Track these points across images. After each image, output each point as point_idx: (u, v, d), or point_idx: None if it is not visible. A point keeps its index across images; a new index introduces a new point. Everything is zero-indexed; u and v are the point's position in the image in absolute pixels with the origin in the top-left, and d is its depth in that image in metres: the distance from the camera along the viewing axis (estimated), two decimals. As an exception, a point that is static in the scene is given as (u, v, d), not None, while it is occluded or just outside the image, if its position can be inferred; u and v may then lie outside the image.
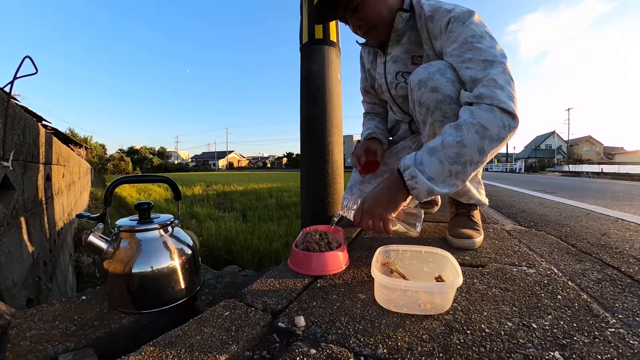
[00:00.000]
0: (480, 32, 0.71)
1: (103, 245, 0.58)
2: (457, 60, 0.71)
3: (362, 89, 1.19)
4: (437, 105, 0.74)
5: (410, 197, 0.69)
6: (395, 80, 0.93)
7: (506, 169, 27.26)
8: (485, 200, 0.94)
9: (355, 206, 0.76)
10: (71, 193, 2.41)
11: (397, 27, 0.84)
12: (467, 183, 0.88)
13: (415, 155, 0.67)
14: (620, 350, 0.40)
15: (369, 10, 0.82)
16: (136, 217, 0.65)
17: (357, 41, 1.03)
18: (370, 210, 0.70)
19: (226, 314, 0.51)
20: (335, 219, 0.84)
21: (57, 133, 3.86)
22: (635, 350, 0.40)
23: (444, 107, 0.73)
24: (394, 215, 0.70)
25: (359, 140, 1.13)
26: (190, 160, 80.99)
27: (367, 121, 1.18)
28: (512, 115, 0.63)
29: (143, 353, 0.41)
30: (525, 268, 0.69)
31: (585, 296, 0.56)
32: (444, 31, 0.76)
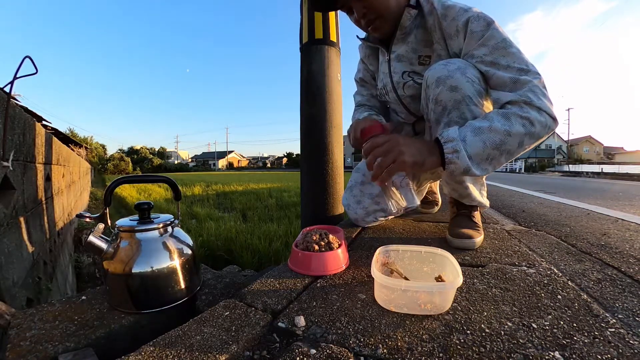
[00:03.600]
0: (508, 38, 0.70)
1: (103, 245, 0.58)
2: (490, 65, 0.70)
3: (360, 79, 1.10)
4: (455, 105, 0.72)
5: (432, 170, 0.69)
6: (402, 80, 0.90)
7: (506, 169, 27.25)
8: (487, 202, 0.94)
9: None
10: (71, 193, 2.41)
11: (404, 24, 0.81)
12: (471, 185, 0.87)
13: (459, 130, 0.66)
14: (620, 350, 0.40)
15: None
16: (136, 217, 0.65)
17: (357, 35, 1.00)
18: (398, 146, 0.65)
19: (226, 314, 0.51)
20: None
21: (57, 133, 3.86)
22: (635, 350, 0.40)
23: (462, 108, 0.72)
24: (406, 172, 0.70)
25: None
26: (190, 160, 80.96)
27: (361, 112, 1.06)
28: (554, 119, 0.67)
29: (143, 353, 0.41)
30: (525, 268, 0.69)
31: (585, 296, 0.56)
32: (461, 30, 0.73)
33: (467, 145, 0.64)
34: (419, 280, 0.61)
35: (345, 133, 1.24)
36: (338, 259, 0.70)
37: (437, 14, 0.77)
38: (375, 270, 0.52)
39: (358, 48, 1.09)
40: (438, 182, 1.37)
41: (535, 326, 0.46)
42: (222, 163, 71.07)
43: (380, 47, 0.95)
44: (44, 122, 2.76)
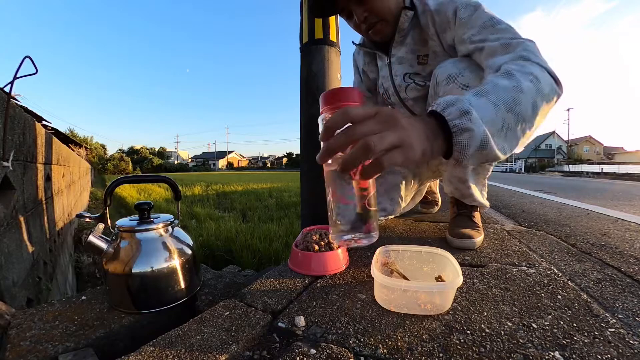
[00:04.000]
0: (496, 17, 0.69)
1: (103, 245, 0.58)
2: (479, 42, 0.68)
3: None
4: None
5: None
6: (404, 83, 0.90)
7: (506, 169, 27.26)
8: (487, 203, 0.94)
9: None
10: (71, 193, 2.41)
11: (402, 26, 0.81)
12: (473, 185, 0.86)
13: (458, 96, 0.45)
14: (620, 350, 0.40)
15: (378, 1, 0.77)
16: (136, 217, 0.65)
17: (353, 42, 1.01)
18: (397, 124, 0.38)
19: (226, 314, 0.51)
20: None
21: (57, 133, 3.86)
22: (635, 350, 0.40)
23: None
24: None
25: None
26: (190, 160, 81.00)
27: None
28: (557, 81, 0.56)
29: (143, 353, 0.41)
30: (525, 268, 0.69)
31: (585, 296, 0.56)
32: (452, 20, 0.74)
33: (475, 109, 0.43)
34: (419, 280, 0.61)
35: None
36: (338, 259, 0.70)
37: (429, 10, 0.78)
38: (375, 270, 0.52)
39: (353, 57, 1.08)
40: (438, 181, 1.37)
41: (535, 326, 0.46)
42: (222, 163, 71.08)
43: (377, 52, 0.94)
44: (44, 122, 2.76)
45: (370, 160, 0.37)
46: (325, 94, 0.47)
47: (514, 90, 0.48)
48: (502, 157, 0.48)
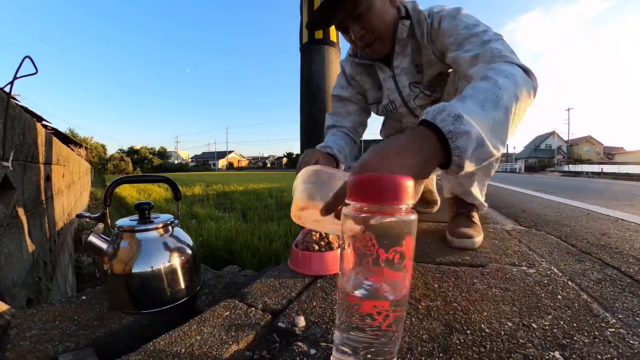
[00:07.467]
0: (472, 22, 0.71)
1: (103, 245, 0.58)
2: (457, 50, 0.70)
3: (336, 95, 1.06)
4: None
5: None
6: (412, 93, 0.90)
7: (506, 169, 27.27)
8: (485, 204, 0.96)
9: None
10: (71, 193, 2.41)
11: (401, 37, 0.81)
12: (475, 181, 0.88)
13: (443, 103, 0.47)
14: (620, 350, 0.40)
15: (375, 19, 0.75)
16: (136, 217, 0.65)
17: (349, 54, 0.98)
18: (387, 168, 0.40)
19: (226, 314, 0.51)
20: None
21: (57, 133, 3.86)
22: (635, 350, 0.40)
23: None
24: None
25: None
26: (190, 160, 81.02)
27: (329, 136, 1.03)
28: (529, 73, 0.57)
29: (143, 353, 0.41)
30: (525, 268, 0.69)
31: (585, 296, 0.56)
32: (437, 30, 0.76)
33: (464, 112, 0.45)
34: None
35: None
36: (338, 258, 0.70)
37: (424, 20, 0.78)
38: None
39: (342, 63, 1.05)
40: (435, 180, 1.37)
41: (535, 326, 0.46)
42: (222, 163, 71.08)
43: (377, 64, 0.91)
44: (44, 122, 2.76)
45: None
46: (361, 183, 0.32)
47: (493, 89, 0.50)
48: (497, 154, 0.49)
